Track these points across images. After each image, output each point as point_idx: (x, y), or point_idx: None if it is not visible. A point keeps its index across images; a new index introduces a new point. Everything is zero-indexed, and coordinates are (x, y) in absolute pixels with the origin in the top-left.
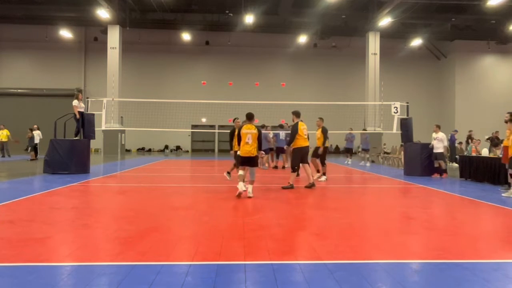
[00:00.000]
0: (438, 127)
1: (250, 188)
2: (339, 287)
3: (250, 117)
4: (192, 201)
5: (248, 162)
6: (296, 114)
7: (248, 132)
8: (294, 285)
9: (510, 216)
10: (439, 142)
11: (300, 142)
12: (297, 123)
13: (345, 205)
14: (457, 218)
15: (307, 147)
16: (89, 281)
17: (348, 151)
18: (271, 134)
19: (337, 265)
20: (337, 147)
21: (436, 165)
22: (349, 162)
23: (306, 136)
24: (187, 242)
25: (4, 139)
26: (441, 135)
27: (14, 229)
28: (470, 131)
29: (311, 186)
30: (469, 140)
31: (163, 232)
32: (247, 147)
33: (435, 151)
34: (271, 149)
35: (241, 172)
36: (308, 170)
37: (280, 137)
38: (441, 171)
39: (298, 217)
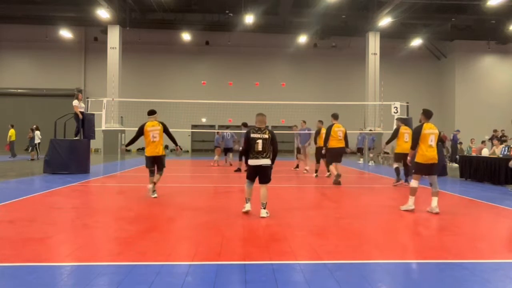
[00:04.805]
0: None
1: (435, 201)
2: (339, 287)
3: (429, 115)
4: (192, 201)
5: (430, 170)
6: (333, 116)
7: (432, 132)
8: (294, 285)
9: (510, 216)
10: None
11: (332, 143)
12: (331, 125)
13: (345, 205)
14: (457, 218)
15: (339, 148)
16: (89, 281)
17: (360, 151)
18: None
19: (337, 265)
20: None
21: None
22: (359, 162)
23: (340, 137)
24: (187, 242)
25: (13, 138)
26: None
27: (14, 229)
28: (495, 131)
29: (337, 182)
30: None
31: (163, 232)
32: (432, 152)
33: None
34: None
35: (414, 183)
36: (338, 169)
37: (227, 137)
38: None
39: (298, 217)
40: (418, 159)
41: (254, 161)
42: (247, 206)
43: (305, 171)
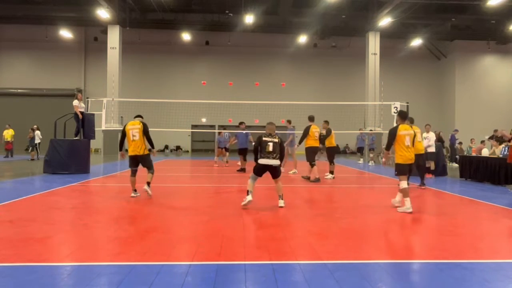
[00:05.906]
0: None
1: (399, 196)
2: (339, 287)
3: (404, 116)
4: (192, 201)
5: (410, 170)
6: (309, 118)
7: (407, 133)
8: (294, 285)
9: (510, 216)
10: (428, 142)
11: (310, 142)
12: (309, 126)
13: (345, 205)
14: (457, 218)
15: (315, 147)
16: (89, 281)
17: (360, 151)
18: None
19: (337, 265)
20: (337, 146)
21: (427, 165)
22: (359, 162)
23: (316, 138)
24: (187, 242)
25: (10, 139)
26: (430, 135)
27: (14, 229)
28: (496, 130)
29: (307, 178)
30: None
31: (163, 232)
32: (411, 152)
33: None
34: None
35: (403, 184)
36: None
37: (226, 137)
38: (431, 171)
39: (298, 217)
40: (398, 160)
41: (264, 160)
42: (249, 197)
43: (292, 172)
